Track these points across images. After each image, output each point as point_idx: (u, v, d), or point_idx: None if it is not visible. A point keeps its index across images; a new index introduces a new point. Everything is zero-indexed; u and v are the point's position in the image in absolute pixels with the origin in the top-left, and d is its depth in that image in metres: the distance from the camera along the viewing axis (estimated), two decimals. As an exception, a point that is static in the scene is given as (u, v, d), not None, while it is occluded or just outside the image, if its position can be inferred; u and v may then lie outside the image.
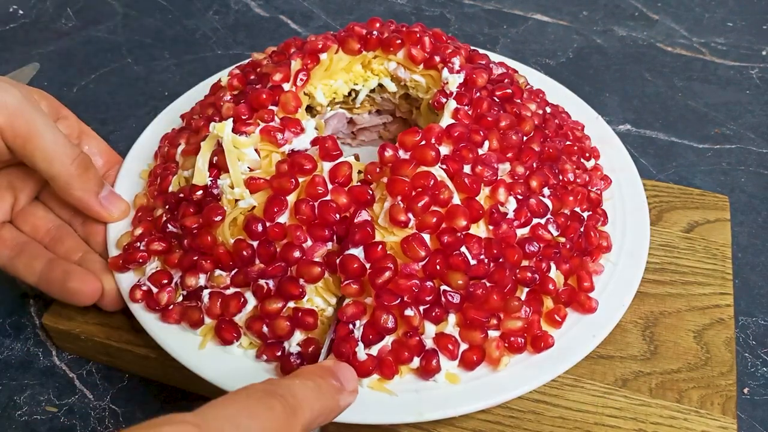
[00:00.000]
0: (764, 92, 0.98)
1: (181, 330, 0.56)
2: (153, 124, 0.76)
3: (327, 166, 0.56)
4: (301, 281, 0.53)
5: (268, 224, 0.54)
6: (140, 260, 0.59)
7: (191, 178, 0.59)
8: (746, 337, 0.66)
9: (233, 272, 0.55)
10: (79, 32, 1.11)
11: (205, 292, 0.55)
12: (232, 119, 0.59)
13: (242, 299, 0.54)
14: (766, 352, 0.65)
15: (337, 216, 0.54)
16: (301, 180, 0.55)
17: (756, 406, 0.61)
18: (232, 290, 0.55)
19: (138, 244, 0.60)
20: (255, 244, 0.54)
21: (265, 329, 0.53)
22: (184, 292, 0.57)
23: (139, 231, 0.61)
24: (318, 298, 0.55)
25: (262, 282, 0.53)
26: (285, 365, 0.53)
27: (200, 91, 0.79)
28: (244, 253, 0.54)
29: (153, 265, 0.59)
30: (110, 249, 0.62)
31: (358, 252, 0.53)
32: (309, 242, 0.54)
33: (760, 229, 0.77)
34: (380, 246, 0.52)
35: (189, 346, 0.55)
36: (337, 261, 0.53)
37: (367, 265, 0.52)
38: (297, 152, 0.57)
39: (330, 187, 0.55)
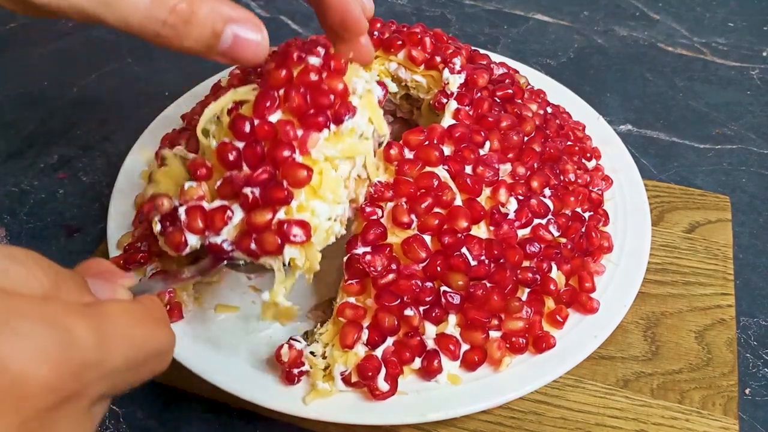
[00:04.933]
0: (765, 93, 0.97)
1: (182, 330, 0.56)
2: (153, 124, 0.76)
3: (314, 59, 0.50)
4: (285, 184, 0.46)
5: (256, 122, 0.47)
6: (141, 261, 0.59)
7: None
8: (747, 338, 0.66)
9: (218, 183, 0.48)
10: (80, 32, 1.11)
11: (181, 209, 0.48)
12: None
13: (229, 212, 0.47)
14: (767, 352, 0.65)
15: (332, 97, 0.49)
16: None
17: (757, 407, 0.61)
18: (218, 203, 0.48)
19: (139, 244, 0.60)
20: (241, 146, 0.47)
21: (253, 246, 0.46)
22: (159, 226, 0.49)
23: (140, 231, 0.61)
24: (316, 202, 0.48)
25: (247, 190, 0.47)
26: (288, 377, 0.52)
27: (201, 91, 0.78)
28: (230, 156, 0.47)
29: (154, 266, 0.59)
30: (110, 249, 0.62)
31: (366, 251, 0.52)
32: (300, 132, 0.48)
33: (761, 230, 0.77)
34: (388, 249, 0.52)
35: (189, 346, 0.54)
36: (344, 260, 0.53)
37: (376, 268, 0.52)
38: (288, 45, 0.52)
39: (324, 75, 0.50)
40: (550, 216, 0.60)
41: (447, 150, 0.57)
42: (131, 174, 0.70)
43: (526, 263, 0.57)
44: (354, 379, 0.51)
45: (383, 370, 0.51)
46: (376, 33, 0.68)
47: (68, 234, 0.76)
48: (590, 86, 0.98)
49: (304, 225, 0.47)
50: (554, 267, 0.58)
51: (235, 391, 0.52)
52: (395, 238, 0.54)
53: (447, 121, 0.60)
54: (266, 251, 0.47)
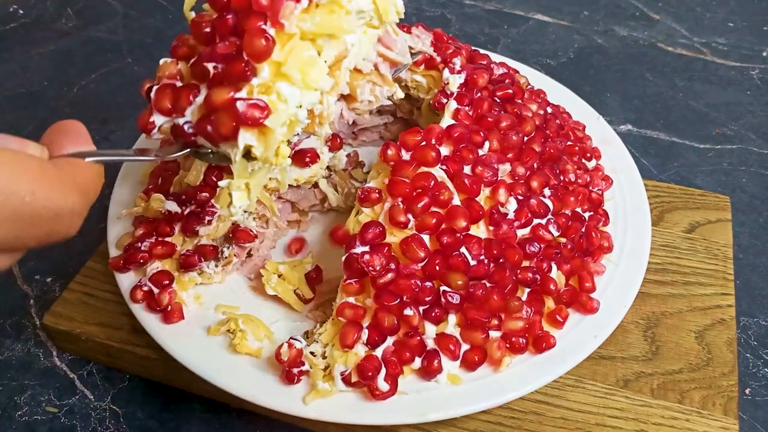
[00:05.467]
0: (765, 93, 0.97)
1: (183, 330, 0.56)
2: (154, 124, 0.76)
3: None
4: (245, 56, 0.41)
5: None
6: (141, 261, 0.59)
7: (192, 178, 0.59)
8: (747, 338, 0.66)
9: (193, 60, 0.45)
10: (80, 32, 1.11)
11: (154, 87, 0.45)
12: None
13: (195, 91, 0.44)
14: (767, 352, 0.65)
15: None
16: None
17: (757, 407, 0.61)
18: (192, 82, 0.45)
19: (139, 244, 0.60)
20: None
21: (209, 128, 0.43)
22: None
23: (140, 231, 0.61)
24: (282, 83, 0.43)
25: (209, 65, 0.42)
26: (288, 376, 0.52)
27: (201, 91, 0.78)
28: (204, 28, 0.44)
29: (154, 266, 0.59)
30: (111, 249, 0.62)
31: (364, 250, 0.52)
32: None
33: (761, 230, 0.77)
34: (386, 248, 0.52)
35: (190, 347, 0.54)
36: (343, 259, 0.53)
37: (375, 267, 0.52)
38: None
39: None
40: (549, 216, 0.60)
41: (446, 150, 0.57)
42: (131, 174, 0.69)
43: (525, 263, 0.57)
44: (354, 379, 0.51)
45: (383, 370, 0.51)
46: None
47: (68, 234, 0.76)
48: (590, 86, 0.98)
49: (260, 105, 0.42)
50: (554, 267, 0.58)
51: (235, 391, 0.52)
52: (394, 237, 0.54)
53: (446, 121, 0.60)
54: (221, 134, 0.42)
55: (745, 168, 0.85)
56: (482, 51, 0.73)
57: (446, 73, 0.64)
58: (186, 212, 0.59)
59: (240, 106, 0.41)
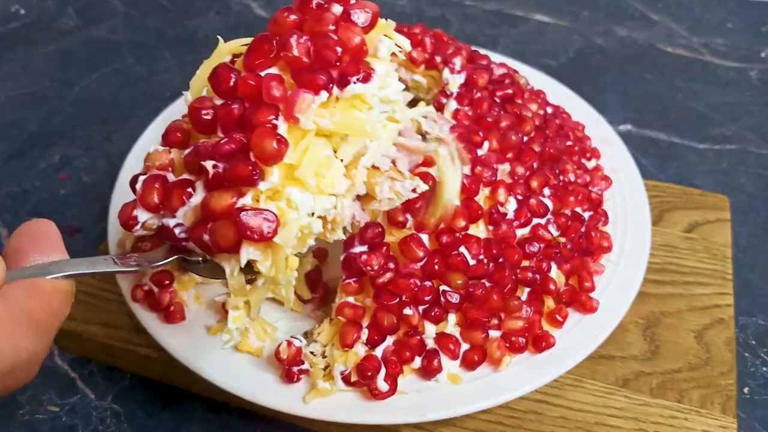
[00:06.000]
0: (763, 93, 0.98)
1: (183, 330, 0.56)
2: (154, 124, 0.76)
3: (339, 8, 0.40)
4: (252, 157, 0.35)
5: (243, 75, 0.38)
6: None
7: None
8: (746, 337, 0.66)
9: (187, 151, 0.38)
10: (81, 32, 1.11)
11: (141, 177, 0.39)
12: None
13: (190, 189, 0.38)
14: (765, 351, 0.65)
15: (339, 51, 0.37)
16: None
17: (756, 406, 0.61)
18: (184, 177, 0.39)
19: (140, 244, 0.60)
20: (220, 104, 0.38)
21: (206, 237, 0.36)
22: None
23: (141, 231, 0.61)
24: (293, 188, 0.37)
25: (208, 163, 0.36)
26: (288, 375, 0.53)
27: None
28: (203, 115, 0.37)
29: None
30: (111, 249, 0.62)
31: (363, 250, 0.53)
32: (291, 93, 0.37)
33: (760, 230, 0.77)
34: (385, 247, 0.53)
35: (191, 346, 0.55)
36: (341, 258, 0.54)
37: (373, 267, 0.52)
38: None
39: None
40: (549, 216, 0.60)
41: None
42: (132, 174, 0.69)
43: (525, 263, 0.57)
44: (354, 378, 0.51)
45: (383, 370, 0.51)
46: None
47: (69, 234, 0.76)
48: (590, 86, 0.98)
49: (269, 218, 0.35)
50: (554, 266, 0.58)
51: (235, 390, 0.52)
52: (392, 237, 0.54)
53: (447, 121, 0.60)
54: (219, 246, 0.36)
55: (744, 168, 0.85)
56: (482, 51, 0.73)
57: (446, 73, 0.65)
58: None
59: (245, 217, 0.35)
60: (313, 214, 0.38)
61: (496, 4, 1.18)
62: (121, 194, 0.67)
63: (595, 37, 1.10)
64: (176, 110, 0.77)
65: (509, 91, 0.65)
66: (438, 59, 0.66)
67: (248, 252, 0.36)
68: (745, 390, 0.62)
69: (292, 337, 0.54)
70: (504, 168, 0.60)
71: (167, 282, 0.57)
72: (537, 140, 0.63)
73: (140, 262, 0.39)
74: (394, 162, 0.45)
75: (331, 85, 0.37)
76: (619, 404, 0.57)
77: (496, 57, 0.77)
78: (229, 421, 0.60)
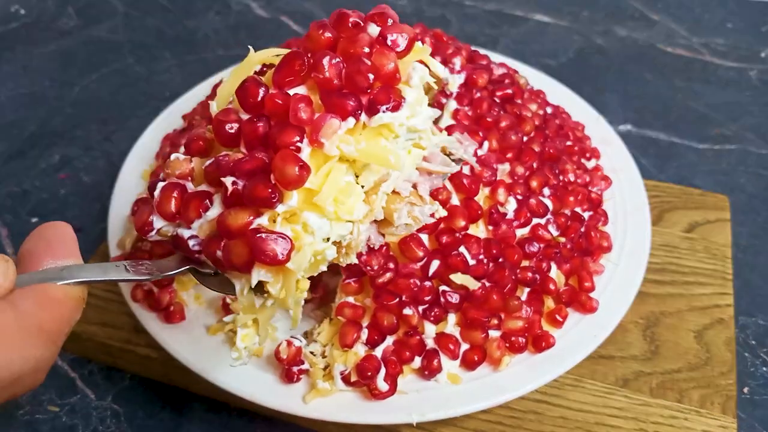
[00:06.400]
0: (763, 93, 0.98)
1: (183, 330, 0.56)
2: (154, 124, 0.77)
3: (376, 29, 0.39)
4: (273, 179, 0.35)
5: (271, 92, 0.37)
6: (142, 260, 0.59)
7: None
8: (746, 337, 0.66)
9: (209, 162, 0.38)
10: (81, 32, 1.11)
11: (159, 185, 0.39)
12: None
13: (208, 201, 0.37)
14: (765, 351, 0.65)
15: (371, 77, 0.36)
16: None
17: (756, 406, 0.61)
18: (202, 188, 0.38)
19: (140, 244, 0.60)
20: (245, 118, 0.38)
21: (219, 254, 0.36)
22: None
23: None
24: (311, 213, 0.36)
25: (228, 180, 0.36)
26: (288, 375, 0.53)
27: (202, 91, 0.79)
28: (227, 128, 0.37)
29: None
30: (111, 249, 0.62)
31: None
32: (317, 116, 0.36)
33: (760, 230, 0.77)
34: (385, 247, 0.53)
35: (191, 346, 0.55)
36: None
37: (373, 267, 0.52)
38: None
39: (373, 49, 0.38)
40: (549, 216, 0.60)
41: (446, 150, 0.58)
42: (132, 174, 0.70)
43: (525, 263, 0.57)
44: (353, 378, 0.51)
45: (383, 370, 0.51)
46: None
47: (69, 234, 0.76)
48: (590, 86, 0.98)
49: (283, 239, 0.35)
50: (554, 266, 0.58)
51: (235, 390, 0.52)
52: (392, 237, 0.54)
53: (446, 121, 0.60)
54: (232, 264, 0.36)
55: (744, 168, 0.85)
56: (482, 51, 0.73)
57: (446, 73, 0.65)
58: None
59: (259, 239, 0.34)
60: (328, 239, 0.37)
61: (496, 4, 1.18)
62: (121, 194, 0.67)
63: (595, 37, 1.10)
64: (176, 110, 0.77)
65: (509, 91, 0.65)
66: (438, 59, 0.66)
67: (260, 274, 0.36)
68: (745, 390, 0.62)
69: (292, 337, 0.54)
70: (504, 168, 0.60)
71: (167, 282, 0.57)
72: (537, 140, 0.63)
73: (152, 271, 0.39)
74: (415, 186, 0.44)
75: (359, 111, 0.37)
76: (619, 404, 0.57)
77: (496, 57, 0.77)
78: (229, 421, 0.60)
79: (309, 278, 0.61)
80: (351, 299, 0.54)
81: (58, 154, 0.88)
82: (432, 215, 0.46)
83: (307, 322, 0.59)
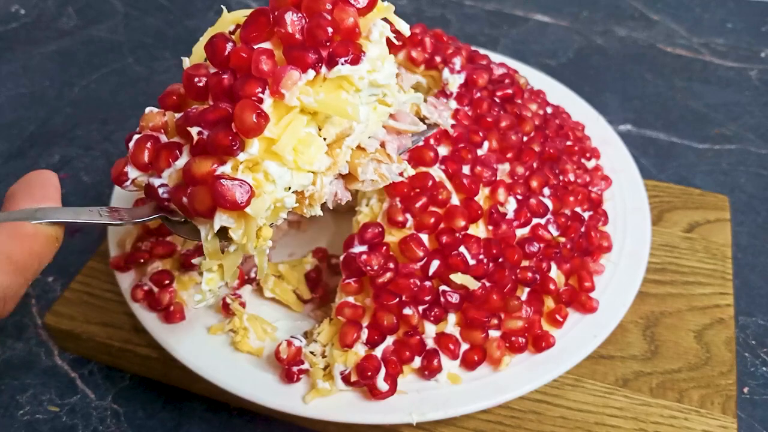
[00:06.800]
0: (763, 93, 0.98)
1: (183, 330, 0.56)
2: (154, 124, 0.76)
3: None
4: (234, 128, 0.37)
5: (238, 46, 0.39)
6: (141, 260, 0.59)
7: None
8: (746, 337, 0.66)
9: (179, 116, 0.40)
10: (81, 32, 1.11)
11: (135, 137, 0.40)
12: None
13: (177, 151, 0.39)
14: (765, 351, 0.65)
15: (330, 31, 0.38)
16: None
17: (756, 406, 0.61)
18: (175, 140, 0.40)
19: (140, 244, 0.60)
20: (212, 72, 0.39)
21: (185, 200, 0.38)
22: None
23: (140, 231, 0.61)
24: (272, 162, 0.38)
25: (194, 130, 0.38)
26: (288, 375, 0.53)
27: (201, 91, 0.79)
28: (197, 81, 0.39)
29: (154, 265, 0.59)
30: (111, 248, 0.62)
31: (363, 250, 0.53)
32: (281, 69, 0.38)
33: (759, 230, 0.77)
34: (385, 247, 0.53)
35: (190, 346, 0.55)
36: (341, 258, 0.54)
37: (373, 267, 0.52)
38: None
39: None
40: (549, 215, 0.60)
41: (444, 150, 0.58)
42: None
43: (525, 263, 0.57)
44: (353, 378, 0.51)
45: (383, 370, 0.51)
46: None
47: (69, 233, 0.76)
48: (590, 86, 0.98)
49: (243, 189, 0.37)
50: (554, 266, 0.58)
51: (235, 390, 0.52)
52: (392, 237, 0.54)
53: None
54: (196, 210, 0.37)
55: (744, 168, 0.85)
56: (482, 51, 0.73)
57: (446, 73, 0.65)
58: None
59: (220, 185, 0.36)
60: (289, 188, 0.39)
61: (496, 4, 1.18)
62: (121, 194, 0.67)
63: (595, 37, 1.10)
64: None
65: (509, 91, 0.65)
66: (438, 59, 0.66)
67: (221, 219, 0.38)
68: (745, 390, 0.62)
69: (292, 336, 0.54)
70: (504, 168, 0.60)
71: (167, 282, 0.57)
72: (537, 140, 0.63)
73: (124, 217, 0.40)
74: (383, 144, 0.45)
75: (319, 64, 0.38)
76: (618, 404, 0.57)
77: (496, 57, 0.77)
78: (229, 421, 0.60)
79: (308, 278, 0.62)
80: (351, 299, 0.54)
81: (57, 154, 0.88)
82: (401, 174, 0.46)
83: (307, 322, 0.60)
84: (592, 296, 0.58)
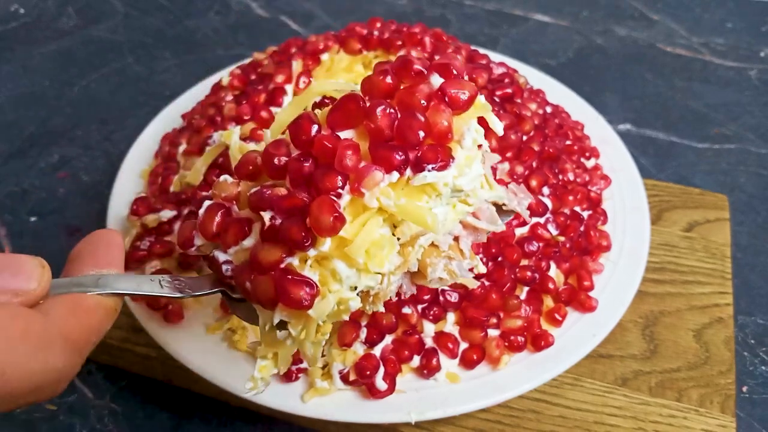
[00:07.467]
0: (763, 93, 0.98)
1: (183, 330, 0.56)
2: (153, 123, 0.77)
3: (438, 80, 0.39)
4: (308, 222, 0.35)
5: (323, 132, 0.37)
6: (140, 259, 0.59)
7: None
8: (745, 336, 0.66)
9: (254, 190, 0.38)
10: (81, 31, 1.11)
11: (206, 203, 0.39)
12: (238, 128, 0.59)
13: (247, 229, 0.38)
14: (764, 351, 0.65)
15: (421, 135, 0.36)
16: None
17: (755, 405, 0.61)
18: (246, 213, 0.38)
19: (138, 243, 0.60)
20: (294, 154, 0.37)
21: (248, 285, 0.36)
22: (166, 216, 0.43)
23: (139, 230, 0.61)
24: (340, 262, 0.36)
25: (266, 214, 0.36)
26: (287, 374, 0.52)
27: (201, 90, 0.79)
28: (275, 161, 0.37)
29: (153, 264, 0.59)
30: (111, 248, 0.62)
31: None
32: (363, 165, 0.36)
33: (759, 229, 0.77)
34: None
35: (189, 345, 0.55)
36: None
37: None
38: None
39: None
40: (548, 215, 0.60)
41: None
42: (131, 174, 0.70)
43: (524, 262, 0.57)
44: (352, 377, 0.51)
45: (381, 369, 0.51)
46: (375, 32, 0.68)
47: (69, 233, 0.77)
48: (590, 86, 0.98)
49: (308, 286, 0.35)
50: (553, 265, 0.58)
51: (234, 390, 0.52)
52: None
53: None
54: (258, 299, 0.36)
55: (744, 168, 0.85)
56: (482, 51, 0.73)
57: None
58: (185, 212, 0.60)
59: (285, 282, 0.35)
60: (355, 288, 0.37)
61: (496, 4, 1.18)
62: (120, 194, 0.67)
63: (594, 37, 1.10)
64: (175, 109, 0.78)
65: (508, 90, 0.65)
66: (437, 59, 0.66)
67: (282, 314, 0.36)
68: (744, 389, 0.62)
69: (290, 336, 0.54)
70: (503, 167, 0.60)
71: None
72: (536, 139, 0.63)
73: (183, 289, 0.39)
74: (456, 239, 0.43)
75: (405, 166, 0.36)
76: (618, 403, 0.57)
77: (495, 57, 0.77)
78: (228, 420, 0.60)
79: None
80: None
81: (57, 154, 0.88)
82: (471, 270, 0.43)
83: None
84: (591, 295, 0.58)
